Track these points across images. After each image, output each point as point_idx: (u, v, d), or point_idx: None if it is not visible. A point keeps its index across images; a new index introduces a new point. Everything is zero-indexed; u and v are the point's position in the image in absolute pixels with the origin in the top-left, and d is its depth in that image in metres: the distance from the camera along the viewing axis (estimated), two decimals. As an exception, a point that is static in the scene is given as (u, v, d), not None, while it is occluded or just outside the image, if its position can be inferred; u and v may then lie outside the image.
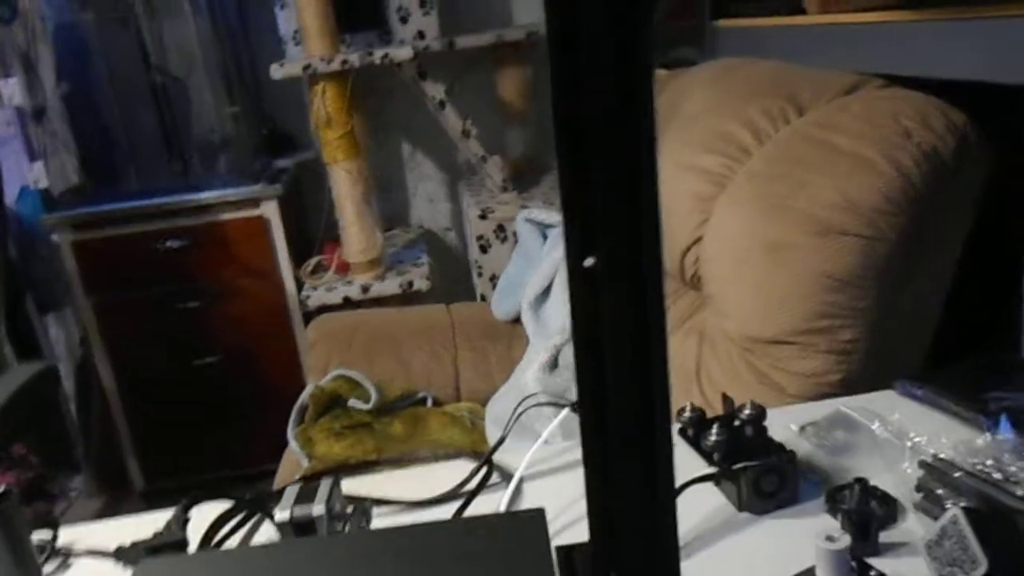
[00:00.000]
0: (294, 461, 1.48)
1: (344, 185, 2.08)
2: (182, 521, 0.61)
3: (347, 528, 0.62)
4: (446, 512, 0.74)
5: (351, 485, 0.76)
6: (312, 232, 2.52)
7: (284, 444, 1.54)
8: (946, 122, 0.94)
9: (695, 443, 0.72)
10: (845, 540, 0.53)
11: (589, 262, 0.39)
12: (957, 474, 0.62)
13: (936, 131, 0.94)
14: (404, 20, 2.23)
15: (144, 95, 2.28)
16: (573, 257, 0.39)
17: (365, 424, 1.61)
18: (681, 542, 0.67)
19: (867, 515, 0.62)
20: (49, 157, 2.34)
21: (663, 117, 1.36)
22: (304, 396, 1.65)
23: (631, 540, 0.48)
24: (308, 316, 2.07)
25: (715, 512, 0.70)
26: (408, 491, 0.77)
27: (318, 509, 0.60)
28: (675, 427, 0.78)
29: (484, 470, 0.77)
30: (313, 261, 2.32)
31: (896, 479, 0.69)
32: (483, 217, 2.16)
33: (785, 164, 1.02)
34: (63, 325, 2.63)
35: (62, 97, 2.32)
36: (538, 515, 0.55)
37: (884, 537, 0.64)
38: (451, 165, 2.67)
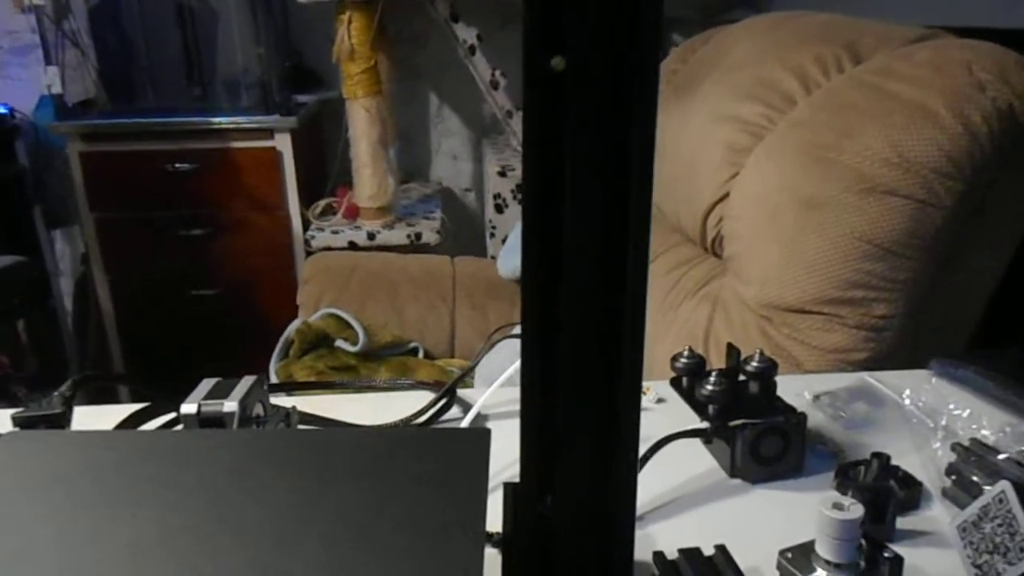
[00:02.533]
0: (270, 396, 1.40)
1: (361, 123, 1.99)
2: (66, 397, 0.52)
3: (261, 432, 0.52)
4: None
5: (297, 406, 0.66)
6: (327, 174, 2.43)
7: (265, 378, 1.45)
8: (1026, 79, 0.82)
9: (689, 395, 0.61)
10: (857, 510, 0.43)
11: (556, 62, 0.28)
12: (1001, 456, 0.51)
13: (1014, 87, 0.81)
14: (444, -42, 2.11)
15: (171, 15, 2.20)
16: (532, 53, 0.29)
17: (350, 367, 1.52)
18: (653, 504, 0.56)
19: (885, 493, 0.51)
20: (67, 66, 2.27)
21: (703, 70, 1.25)
22: (290, 330, 1.56)
23: (572, 490, 0.38)
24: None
25: (700, 476, 0.60)
26: (358, 417, 0.67)
27: (230, 405, 0.51)
28: (667, 377, 0.67)
29: (443, 402, 0.67)
30: (323, 203, 2.23)
31: (923, 461, 0.58)
32: (502, 174, 2.05)
33: (832, 112, 0.90)
34: (70, 242, 2.58)
35: (89, 10, 2.25)
36: (482, 435, 0.45)
37: (902, 524, 0.53)
38: (478, 124, 2.56)
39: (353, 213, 2.14)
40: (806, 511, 0.55)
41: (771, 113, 1.00)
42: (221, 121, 2.08)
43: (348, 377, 1.48)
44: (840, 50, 0.99)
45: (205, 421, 0.51)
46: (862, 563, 0.44)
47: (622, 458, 0.36)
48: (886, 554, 0.43)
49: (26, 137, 2.38)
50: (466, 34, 1.99)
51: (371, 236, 2.08)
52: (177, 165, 2.10)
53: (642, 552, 0.51)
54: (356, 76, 1.93)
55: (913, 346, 0.86)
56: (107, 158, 2.12)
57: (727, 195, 1.03)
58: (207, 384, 0.53)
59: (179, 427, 0.52)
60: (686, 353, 0.63)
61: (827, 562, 0.43)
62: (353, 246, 2.08)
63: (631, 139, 0.29)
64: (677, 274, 1.17)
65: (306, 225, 2.16)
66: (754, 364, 0.60)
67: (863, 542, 0.44)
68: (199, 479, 0.42)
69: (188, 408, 0.50)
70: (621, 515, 0.38)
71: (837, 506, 0.43)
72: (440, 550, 0.37)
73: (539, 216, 0.31)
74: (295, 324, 1.56)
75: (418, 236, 2.08)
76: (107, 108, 2.22)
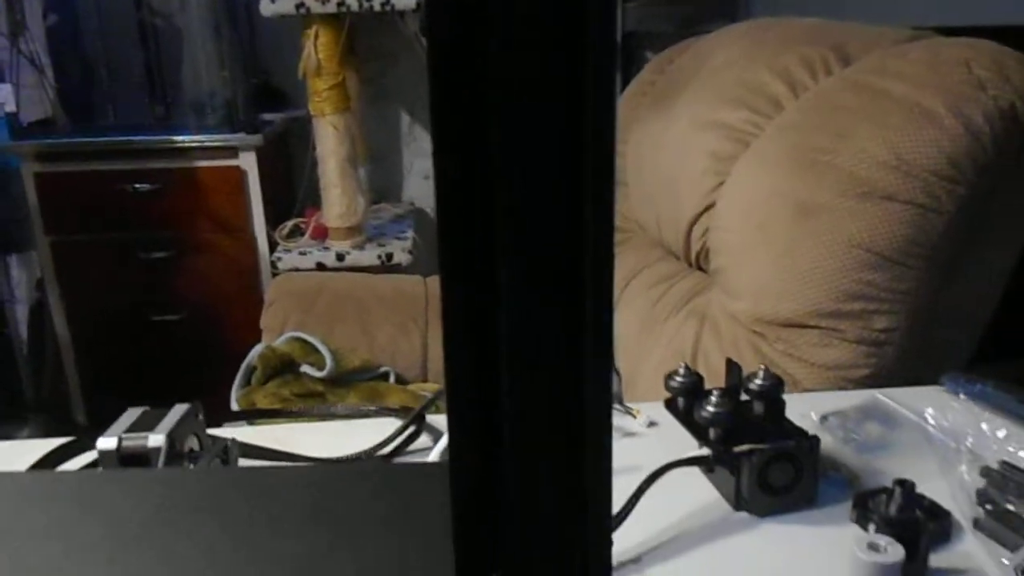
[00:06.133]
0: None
1: (330, 141, 1.92)
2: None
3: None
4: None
5: (249, 438, 0.59)
6: (294, 195, 2.35)
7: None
8: (1026, 77, 0.78)
9: (686, 418, 0.55)
10: (896, 552, 0.36)
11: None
12: (1045, 483, 0.45)
13: (1015, 86, 0.77)
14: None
15: (132, 33, 2.13)
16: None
17: (317, 393, 1.44)
18: (651, 544, 0.50)
19: (914, 526, 0.44)
20: (23, 85, 2.19)
21: (682, 79, 1.20)
22: (252, 356, 1.48)
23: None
24: (277, 279, 1.90)
25: (701, 510, 0.53)
26: (316, 449, 0.59)
27: (156, 439, 0.43)
28: (655, 397, 0.60)
29: (410, 430, 0.60)
30: (290, 223, 2.15)
31: (950, 487, 0.52)
32: (477, 192, 1.99)
33: (825, 114, 0.85)
34: (25, 267, 2.47)
35: (47, 28, 2.18)
36: (440, 468, 0.39)
37: (934, 561, 0.47)
38: (452, 142, 2.51)
39: (322, 234, 2.07)
40: (822, 548, 0.49)
41: (757, 118, 0.95)
42: (184, 139, 2.00)
43: (315, 404, 1.40)
44: (827, 51, 0.94)
45: (127, 458, 0.43)
46: (901, 612, 0.37)
47: (591, 517, 0.29)
48: (930, 603, 0.36)
49: (-22, 159, 2.28)
50: (437, 49, 1.93)
51: (340, 257, 2.00)
52: (137, 185, 2.02)
53: (641, 602, 0.44)
54: (324, 92, 1.87)
55: (915, 361, 0.80)
56: (64, 179, 2.03)
57: (712, 205, 0.98)
58: (132, 414, 0.46)
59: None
60: (681, 371, 0.56)
61: (861, 613, 0.37)
62: (321, 267, 2.00)
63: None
64: (660, 289, 1.11)
65: (272, 247, 2.08)
66: (758, 382, 0.54)
67: (901, 588, 0.37)
68: (113, 528, 0.34)
69: (106, 443, 0.43)
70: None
71: (872, 547, 0.37)
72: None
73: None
74: (258, 349, 1.48)
75: (389, 257, 2.00)
76: (65, 127, 2.13)
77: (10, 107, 2.08)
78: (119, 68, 2.16)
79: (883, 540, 0.37)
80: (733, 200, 0.92)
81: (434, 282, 1.67)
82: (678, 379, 0.55)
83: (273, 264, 2.03)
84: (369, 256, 2.00)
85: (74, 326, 2.16)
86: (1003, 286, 0.84)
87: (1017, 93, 0.77)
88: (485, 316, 0.27)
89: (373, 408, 0.65)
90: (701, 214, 1.01)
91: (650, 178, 1.18)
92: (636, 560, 0.48)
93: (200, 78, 2.13)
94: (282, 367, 1.46)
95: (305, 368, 1.45)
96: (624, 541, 0.50)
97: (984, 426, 0.54)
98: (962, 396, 0.58)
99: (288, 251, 2.03)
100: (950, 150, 0.76)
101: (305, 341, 1.48)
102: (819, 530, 0.51)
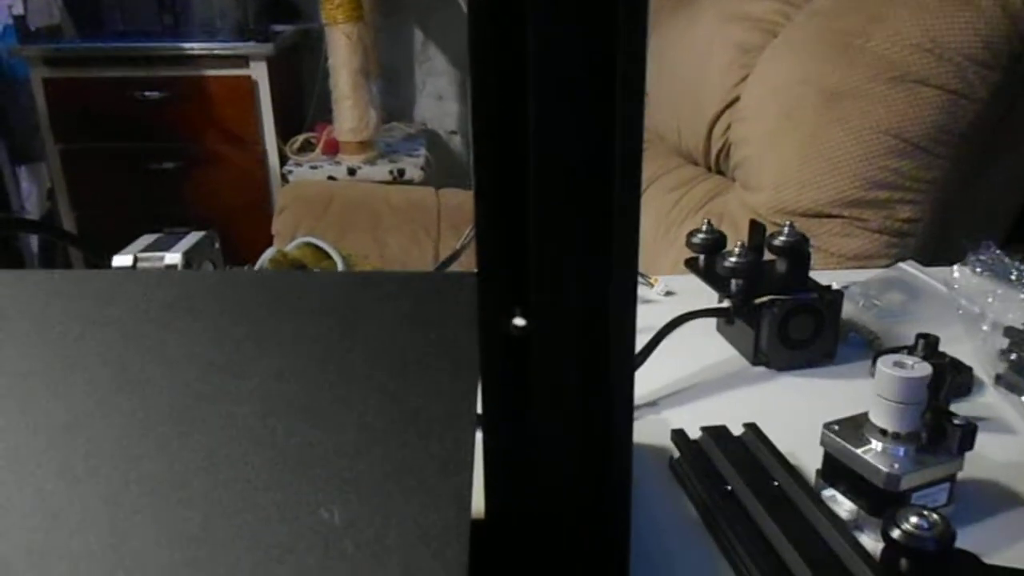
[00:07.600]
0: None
1: (342, 51, 1.88)
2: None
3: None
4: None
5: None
6: (304, 110, 2.32)
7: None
8: (1073, -42, 0.74)
9: (708, 273, 0.54)
10: (924, 368, 0.36)
11: None
12: (1074, 330, 0.44)
13: (1059, -34, 0.74)
14: None
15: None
16: None
17: (327, 300, 1.44)
18: (668, 390, 0.49)
19: (938, 371, 0.44)
20: (29, -10, 2.14)
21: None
22: (263, 259, 1.47)
23: (551, 298, 0.29)
24: (288, 192, 1.88)
25: (718, 364, 0.53)
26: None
27: (172, 258, 0.43)
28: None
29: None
30: (301, 137, 2.13)
31: (973, 348, 0.51)
32: (491, 108, 1.96)
33: (858, -2, 0.82)
34: (36, 179, 2.46)
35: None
36: (470, 279, 0.38)
37: (955, 410, 0.46)
38: (466, 62, 2.45)
39: (333, 148, 2.04)
40: (840, 400, 0.48)
41: (786, 8, 0.92)
42: (193, 47, 1.96)
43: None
44: (864, -61, 0.91)
45: (144, 276, 0.42)
46: (924, 435, 0.37)
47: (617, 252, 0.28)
48: (956, 421, 0.36)
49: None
50: (454, -44, 1.88)
51: (352, 172, 1.98)
52: (147, 93, 1.99)
53: (659, 436, 0.44)
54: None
55: (936, 254, 0.79)
56: (72, 85, 2.00)
57: (736, 100, 0.96)
58: (147, 238, 0.45)
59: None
60: (704, 228, 0.55)
61: (884, 432, 0.36)
62: (332, 181, 1.98)
63: None
64: (678, 193, 1.09)
65: (283, 161, 2.06)
66: (782, 238, 0.53)
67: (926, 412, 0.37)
68: (131, 315, 0.34)
69: (121, 260, 0.42)
70: (617, 336, 0.29)
71: (899, 364, 0.36)
72: (421, 429, 0.30)
73: None
74: (269, 253, 1.47)
75: (401, 172, 1.98)
76: (72, 34, 2.10)
77: (17, 10, 2.04)
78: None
79: (910, 359, 0.36)
80: (759, 89, 0.90)
81: (446, 194, 1.65)
82: (700, 235, 0.54)
83: (284, 177, 2.01)
84: (380, 171, 1.98)
85: (84, 236, 2.16)
86: (1032, 182, 0.82)
87: (1062, -25, 0.74)
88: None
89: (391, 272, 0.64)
90: (724, 110, 0.99)
91: (671, 82, 1.15)
92: (653, 404, 0.48)
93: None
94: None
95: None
96: (642, 387, 0.49)
97: (1009, 291, 0.53)
98: (987, 265, 0.57)
99: (299, 165, 2.01)
100: (986, 33, 0.73)
101: (317, 247, 1.47)
102: (837, 383, 0.50)
